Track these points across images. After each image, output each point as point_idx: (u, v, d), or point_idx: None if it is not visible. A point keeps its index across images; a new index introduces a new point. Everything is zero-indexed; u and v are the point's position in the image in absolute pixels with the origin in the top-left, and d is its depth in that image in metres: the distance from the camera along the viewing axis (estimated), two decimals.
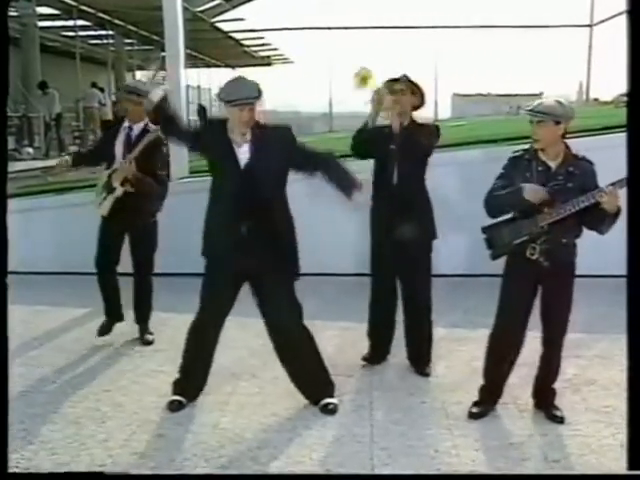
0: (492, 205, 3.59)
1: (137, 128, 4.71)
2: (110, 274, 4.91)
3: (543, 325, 3.61)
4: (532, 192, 3.41)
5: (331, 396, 3.84)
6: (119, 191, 4.63)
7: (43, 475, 3.05)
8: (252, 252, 3.58)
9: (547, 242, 3.47)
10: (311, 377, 3.87)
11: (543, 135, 3.43)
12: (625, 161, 2.93)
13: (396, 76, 4.16)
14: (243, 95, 3.50)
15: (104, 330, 4.96)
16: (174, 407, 3.81)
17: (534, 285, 3.56)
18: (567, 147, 3.50)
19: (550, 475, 3.08)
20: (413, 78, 4.16)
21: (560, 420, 3.61)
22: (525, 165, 3.52)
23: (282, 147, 3.62)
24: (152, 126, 4.41)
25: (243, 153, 3.59)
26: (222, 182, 3.67)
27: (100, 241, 4.86)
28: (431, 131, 4.23)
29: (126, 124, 4.74)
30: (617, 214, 3.31)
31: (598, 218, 3.36)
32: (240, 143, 3.60)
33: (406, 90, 4.13)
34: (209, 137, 3.69)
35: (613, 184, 3.28)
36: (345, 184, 3.55)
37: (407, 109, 4.16)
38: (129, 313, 5.05)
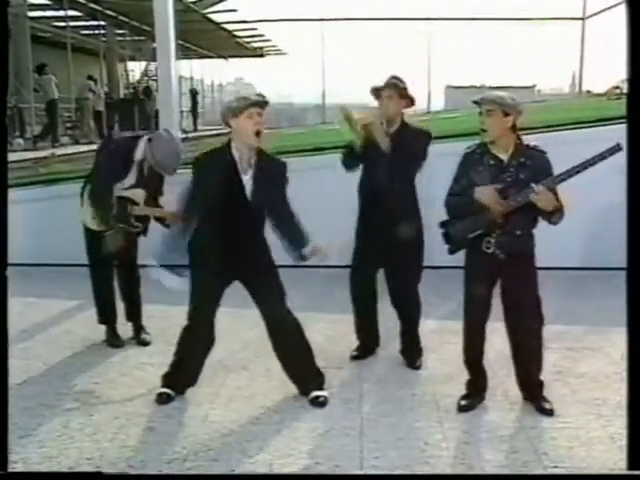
0: (451, 209, 3.62)
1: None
2: (110, 280, 4.82)
3: (505, 317, 3.62)
4: (483, 193, 3.42)
5: (321, 388, 3.84)
6: (138, 228, 4.61)
7: (43, 475, 3.03)
8: (240, 254, 3.63)
9: (502, 235, 3.48)
10: (301, 369, 3.86)
11: (491, 125, 3.41)
12: (621, 154, 2.93)
13: (381, 83, 4.10)
14: (257, 98, 3.50)
15: (117, 342, 4.79)
16: (162, 400, 3.80)
17: (492, 278, 3.58)
18: (519, 139, 3.49)
19: (550, 475, 3.07)
20: (400, 78, 4.10)
21: (549, 412, 3.60)
22: (477, 160, 3.52)
23: (278, 181, 3.68)
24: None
25: (247, 181, 3.58)
26: (223, 207, 3.58)
27: (92, 248, 4.69)
28: (422, 136, 4.19)
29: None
30: (559, 209, 3.35)
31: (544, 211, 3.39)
32: (246, 169, 3.58)
33: (393, 95, 4.08)
34: (211, 168, 3.60)
35: (543, 183, 3.31)
36: (298, 243, 3.67)
37: (396, 114, 4.12)
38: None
